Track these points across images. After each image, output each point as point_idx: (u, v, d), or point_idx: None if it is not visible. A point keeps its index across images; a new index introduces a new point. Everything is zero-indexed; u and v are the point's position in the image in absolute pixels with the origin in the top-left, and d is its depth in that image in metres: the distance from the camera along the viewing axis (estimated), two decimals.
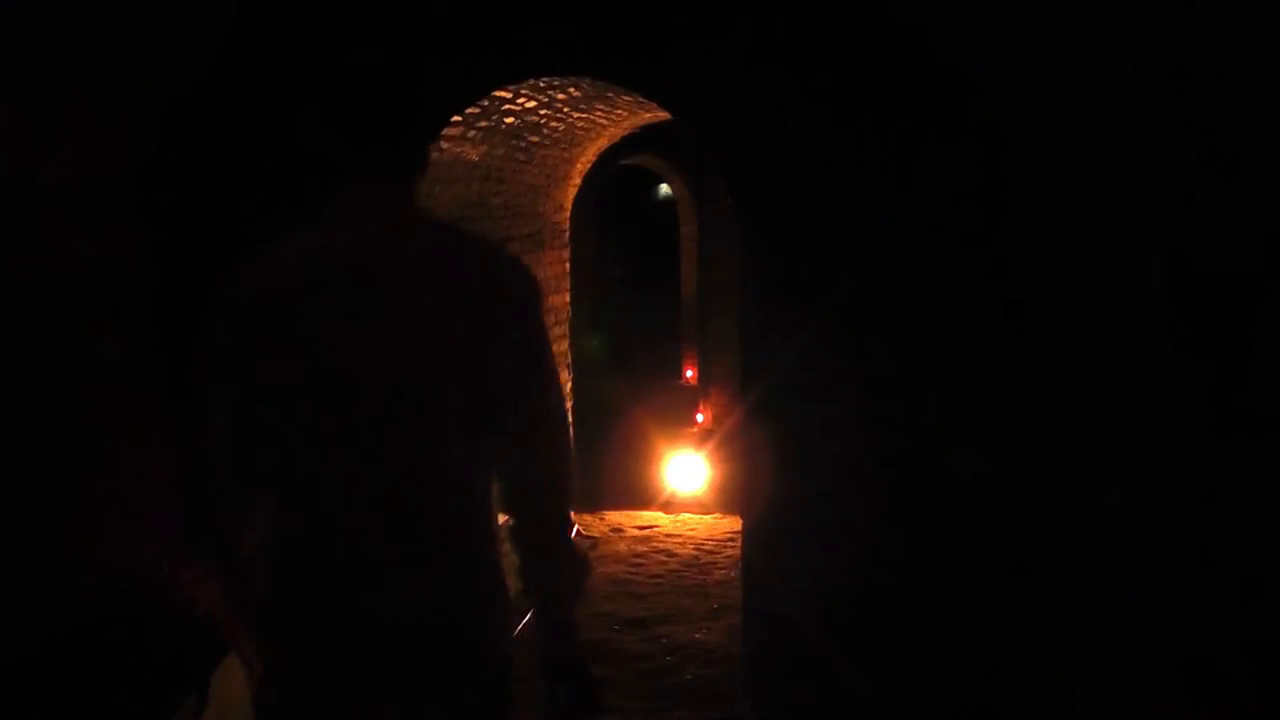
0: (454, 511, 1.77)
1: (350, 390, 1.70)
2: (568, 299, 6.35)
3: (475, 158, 4.67)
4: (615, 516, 7.71)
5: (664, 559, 6.47)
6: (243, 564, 1.87)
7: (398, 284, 1.71)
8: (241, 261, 1.83)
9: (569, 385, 6.32)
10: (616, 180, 10.17)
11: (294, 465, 1.74)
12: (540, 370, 1.82)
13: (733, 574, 5.76)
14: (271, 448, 1.74)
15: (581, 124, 5.49)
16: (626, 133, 6.45)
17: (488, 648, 1.83)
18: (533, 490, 1.85)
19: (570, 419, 1.85)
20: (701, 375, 10.37)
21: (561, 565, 1.87)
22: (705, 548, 6.85)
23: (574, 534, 6.19)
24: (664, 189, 11.56)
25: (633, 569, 6.13)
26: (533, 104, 4.62)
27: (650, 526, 7.46)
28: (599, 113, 5.42)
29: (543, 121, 4.99)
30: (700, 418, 9.98)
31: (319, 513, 1.74)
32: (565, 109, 5.00)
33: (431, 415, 1.73)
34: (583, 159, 6.30)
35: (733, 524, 7.17)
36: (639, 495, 8.51)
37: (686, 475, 8.47)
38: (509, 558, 1.88)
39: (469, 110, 4.06)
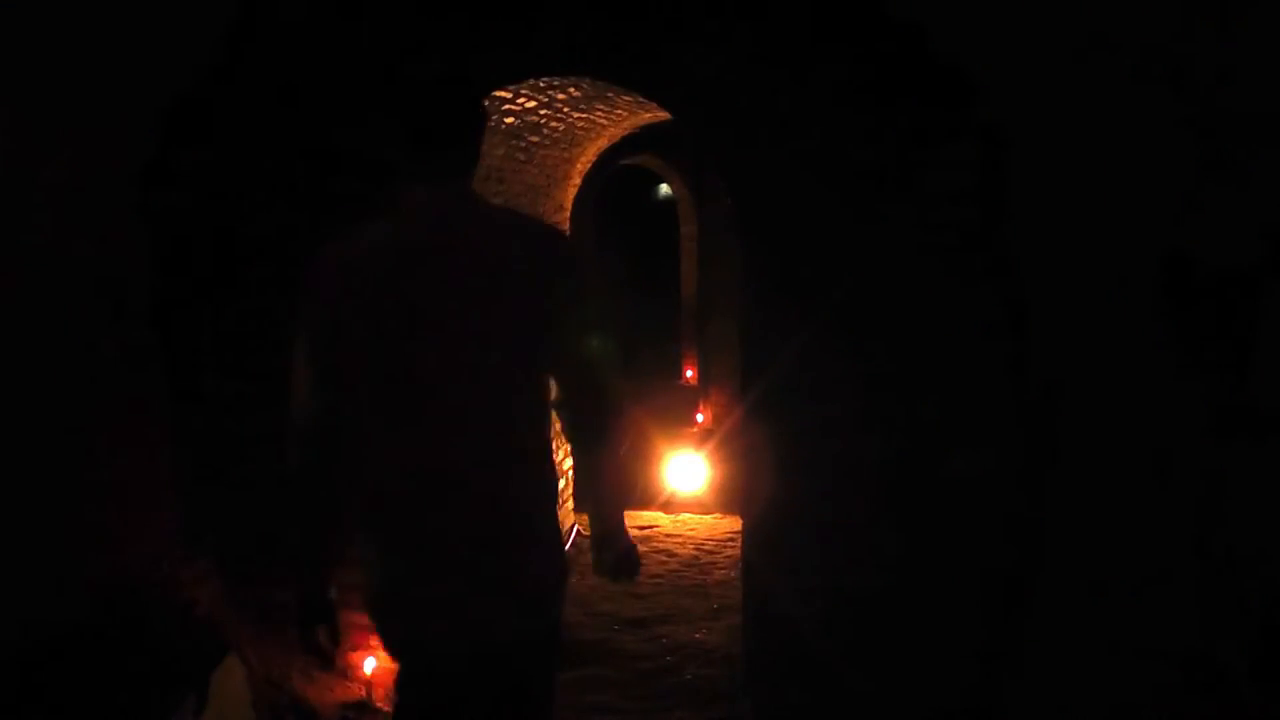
0: (505, 441, 2.09)
1: (416, 343, 2.03)
2: None
3: None
4: None
5: (664, 559, 6.46)
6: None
7: (453, 262, 2.05)
8: (324, 246, 2.14)
9: None
10: (616, 180, 10.16)
11: (372, 405, 2.08)
12: (584, 314, 2.13)
13: (733, 574, 5.76)
14: (352, 391, 2.09)
15: (581, 124, 5.49)
16: (626, 133, 6.45)
17: (542, 563, 2.16)
18: (586, 414, 2.19)
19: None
20: (701, 375, 10.36)
21: (611, 477, 2.26)
22: (705, 548, 6.85)
23: (574, 532, 6.20)
24: (664, 189, 11.55)
25: None
26: (533, 104, 4.63)
27: (650, 526, 7.45)
28: (599, 113, 5.43)
29: (543, 121, 4.99)
30: (700, 418, 9.97)
31: (393, 441, 2.07)
32: (565, 109, 5.00)
33: (484, 360, 2.04)
34: (583, 159, 6.30)
35: (733, 524, 7.16)
36: (639, 495, 8.51)
37: (686, 475, 8.46)
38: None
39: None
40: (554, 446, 2.35)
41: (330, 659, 2.33)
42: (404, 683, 2.24)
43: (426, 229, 2.09)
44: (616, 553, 2.30)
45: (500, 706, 2.18)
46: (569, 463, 5.97)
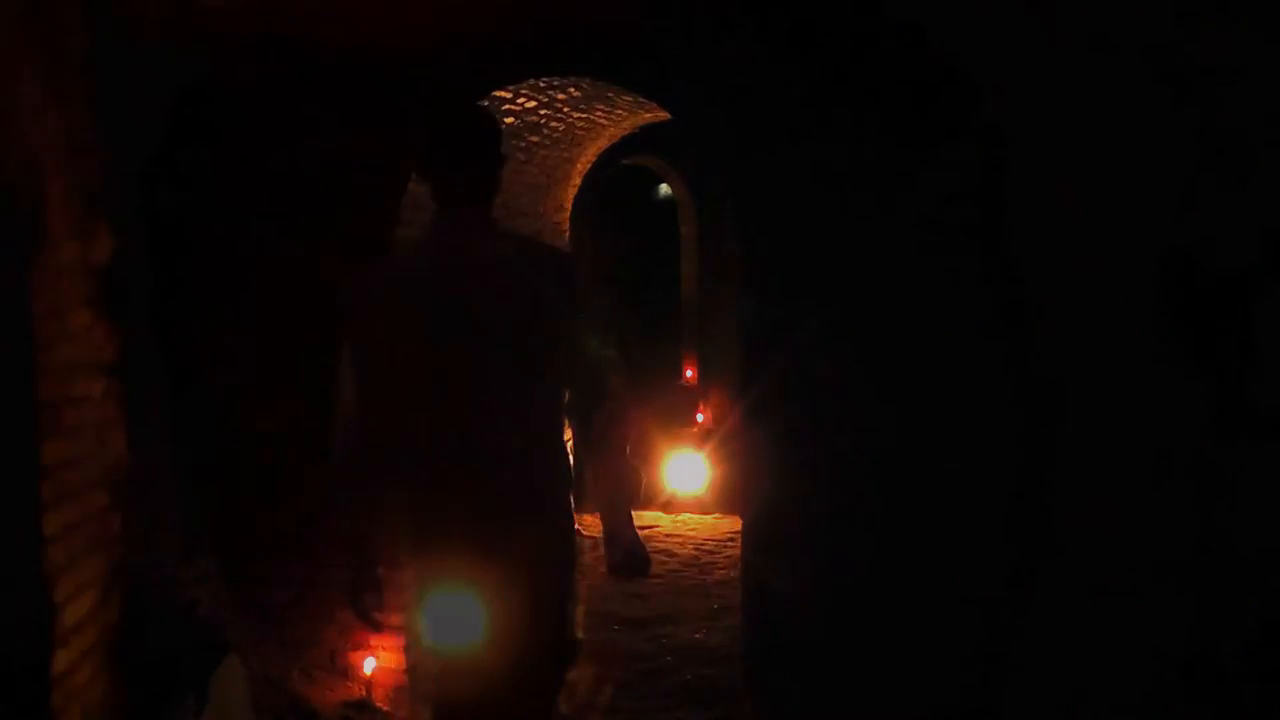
0: (525, 431, 2.41)
1: (450, 346, 2.36)
2: None
3: None
4: None
5: (664, 559, 6.46)
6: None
7: (478, 275, 2.39)
8: (370, 262, 2.59)
9: None
10: (616, 180, 10.14)
11: (416, 398, 2.39)
12: (583, 324, 2.47)
13: (733, 574, 5.76)
14: (398, 386, 2.40)
15: (581, 124, 5.49)
16: (626, 133, 6.45)
17: (559, 527, 2.49)
18: (589, 419, 2.50)
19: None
20: (701, 375, 10.34)
21: (614, 478, 2.56)
22: (705, 548, 6.85)
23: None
24: (664, 189, 11.54)
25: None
26: (533, 104, 4.63)
27: (650, 526, 7.46)
28: (599, 113, 5.43)
29: (543, 121, 4.99)
30: (700, 418, 9.97)
31: (418, 437, 2.40)
32: (565, 109, 5.01)
33: (503, 360, 2.37)
34: (583, 159, 6.29)
35: (733, 524, 7.16)
36: (642, 495, 8.50)
37: (686, 475, 8.45)
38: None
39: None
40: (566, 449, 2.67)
41: (379, 626, 2.65)
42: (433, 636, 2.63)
43: (453, 251, 2.47)
44: (622, 549, 2.57)
45: (510, 673, 2.44)
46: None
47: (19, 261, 2.62)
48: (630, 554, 2.60)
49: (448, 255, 2.47)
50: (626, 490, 2.62)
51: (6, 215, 2.58)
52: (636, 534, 2.69)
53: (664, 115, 5.40)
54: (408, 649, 4.03)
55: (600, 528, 2.70)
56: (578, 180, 6.52)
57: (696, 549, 6.80)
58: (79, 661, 2.85)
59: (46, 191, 2.72)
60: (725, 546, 6.74)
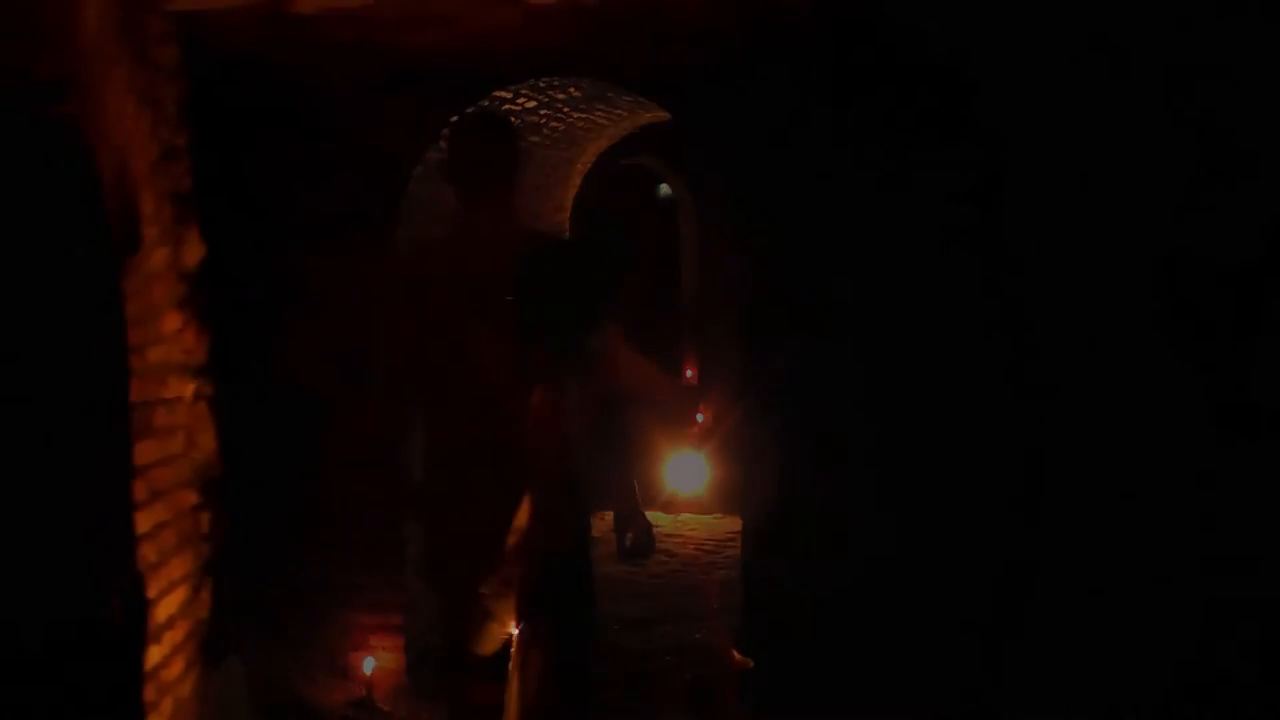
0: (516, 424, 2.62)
1: (467, 329, 2.72)
2: None
3: None
4: None
5: (664, 559, 6.46)
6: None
7: (496, 262, 2.63)
8: (409, 249, 3.22)
9: None
10: (617, 180, 10.14)
11: (442, 381, 2.80)
12: (588, 313, 2.65)
13: (733, 574, 5.75)
14: (425, 368, 2.82)
15: (581, 124, 5.49)
16: (626, 133, 6.45)
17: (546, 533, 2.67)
18: (595, 407, 2.69)
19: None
20: (701, 375, 10.34)
21: (621, 466, 2.88)
22: (705, 548, 6.84)
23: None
24: (664, 189, 11.53)
25: (633, 569, 6.13)
26: (533, 104, 4.63)
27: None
28: (599, 113, 5.43)
29: (543, 121, 4.99)
30: (700, 417, 9.97)
31: (436, 417, 2.83)
32: (565, 109, 5.01)
33: (502, 350, 2.57)
34: (583, 159, 6.30)
35: (733, 524, 7.15)
36: (639, 495, 8.49)
37: (686, 475, 8.45)
38: None
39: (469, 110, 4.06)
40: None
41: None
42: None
43: (473, 244, 2.83)
44: (637, 531, 2.80)
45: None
46: None
47: (113, 267, 2.67)
48: (640, 533, 2.80)
49: (469, 248, 2.83)
50: (632, 478, 2.94)
51: (102, 221, 2.62)
52: (642, 515, 2.91)
53: (664, 115, 5.40)
54: (408, 648, 4.03)
55: (608, 522, 2.84)
56: (578, 180, 6.52)
57: (696, 549, 6.80)
58: (170, 656, 2.92)
59: (139, 198, 2.78)
60: (725, 546, 6.73)
